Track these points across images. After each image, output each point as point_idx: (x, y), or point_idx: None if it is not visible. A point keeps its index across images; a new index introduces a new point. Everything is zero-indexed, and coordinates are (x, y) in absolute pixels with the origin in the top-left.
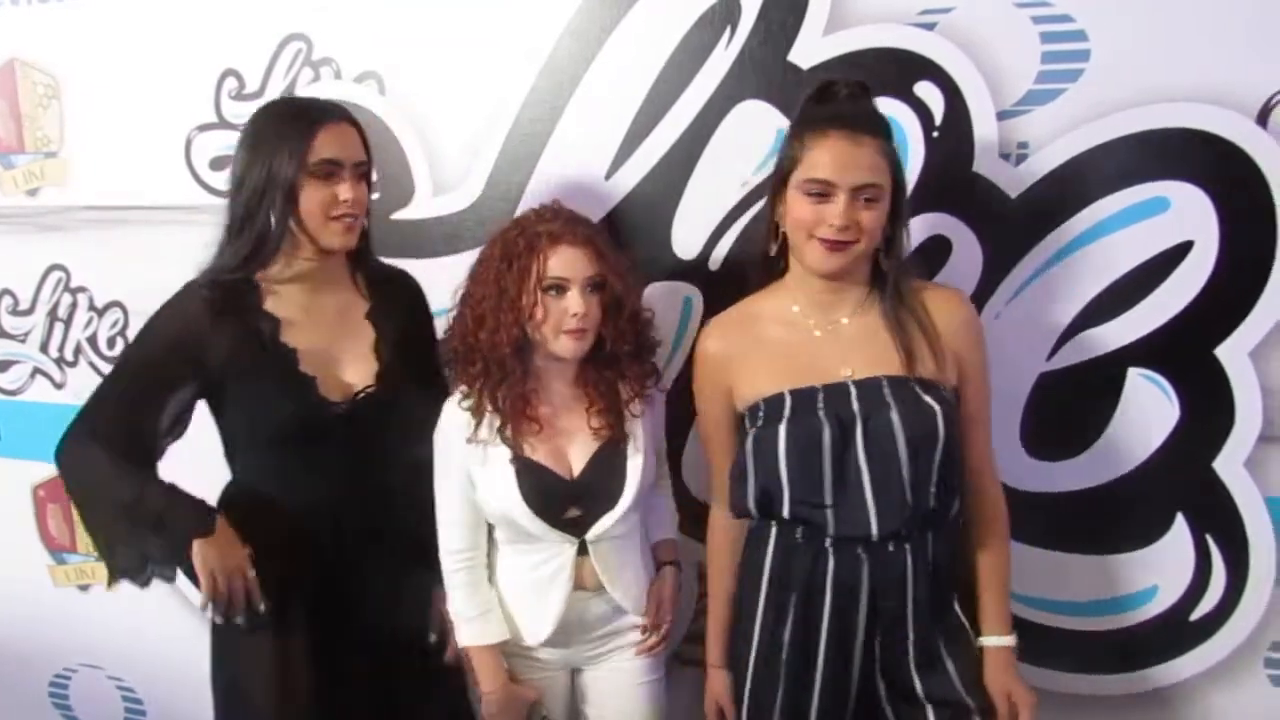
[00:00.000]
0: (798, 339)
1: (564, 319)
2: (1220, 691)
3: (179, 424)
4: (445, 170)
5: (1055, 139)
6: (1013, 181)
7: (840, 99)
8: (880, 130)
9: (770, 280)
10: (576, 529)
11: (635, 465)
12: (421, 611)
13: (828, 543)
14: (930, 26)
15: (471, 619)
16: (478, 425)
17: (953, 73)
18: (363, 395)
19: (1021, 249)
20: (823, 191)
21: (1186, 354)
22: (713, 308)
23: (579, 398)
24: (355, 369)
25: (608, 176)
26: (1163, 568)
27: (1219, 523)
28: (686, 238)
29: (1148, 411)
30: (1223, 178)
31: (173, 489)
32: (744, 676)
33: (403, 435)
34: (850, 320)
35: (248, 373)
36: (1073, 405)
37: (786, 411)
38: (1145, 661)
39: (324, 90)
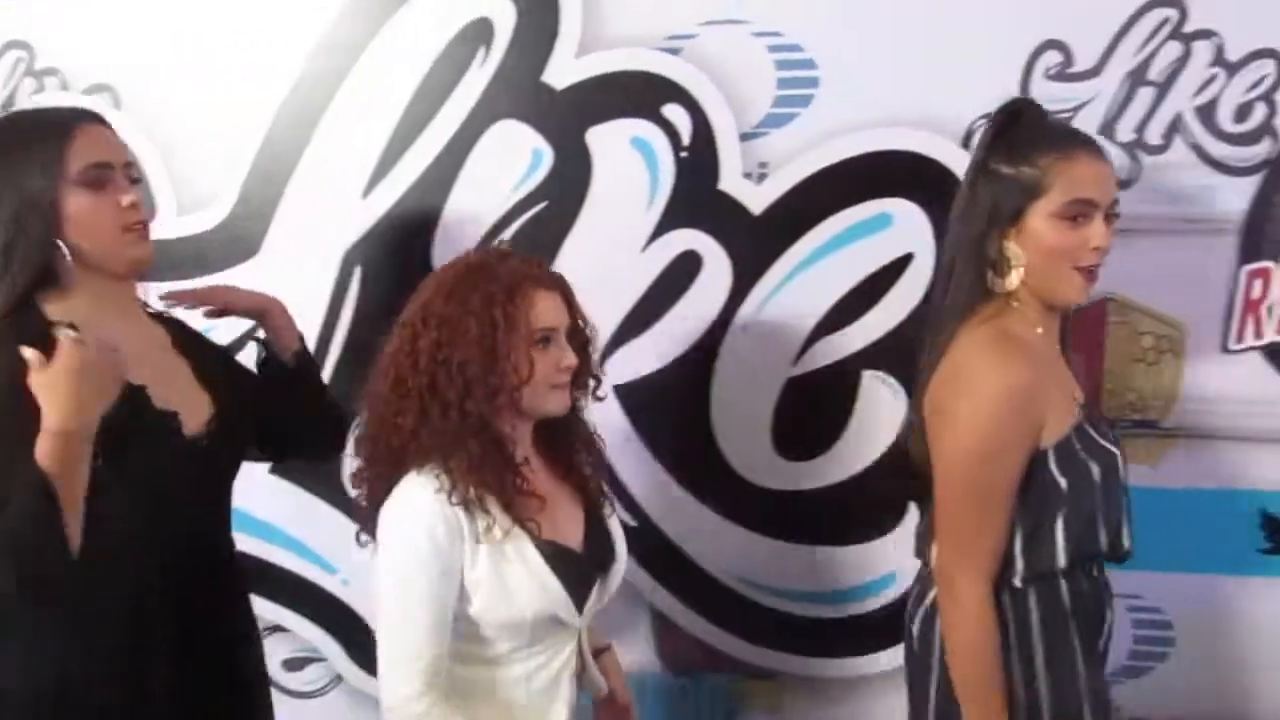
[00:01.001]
0: (1055, 365)
1: (553, 373)
2: None
3: None
4: (191, 188)
5: (792, 159)
6: (756, 199)
7: (1047, 119)
8: None
9: (973, 303)
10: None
11: (615, 525)
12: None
13: (1096, 573)
14: (675, 52)
15: None
16: (481, 519)
17: (698, 96)
18: (214, 429)
19: (766, 263)
20: (1084, 213)
21: (911, 357)
22: None
23: (544, 460)
24: (189, 404)
25: (364, 194)
26: (899, 554)
27: None
28: (448, 258)
29: (881, 410)
30: (935, 195)
31: None
32: None
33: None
34: (1058, 351)
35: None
36: (816, 408)
37: (1079, 445)
38: (887, 642)
39: (50, 102)
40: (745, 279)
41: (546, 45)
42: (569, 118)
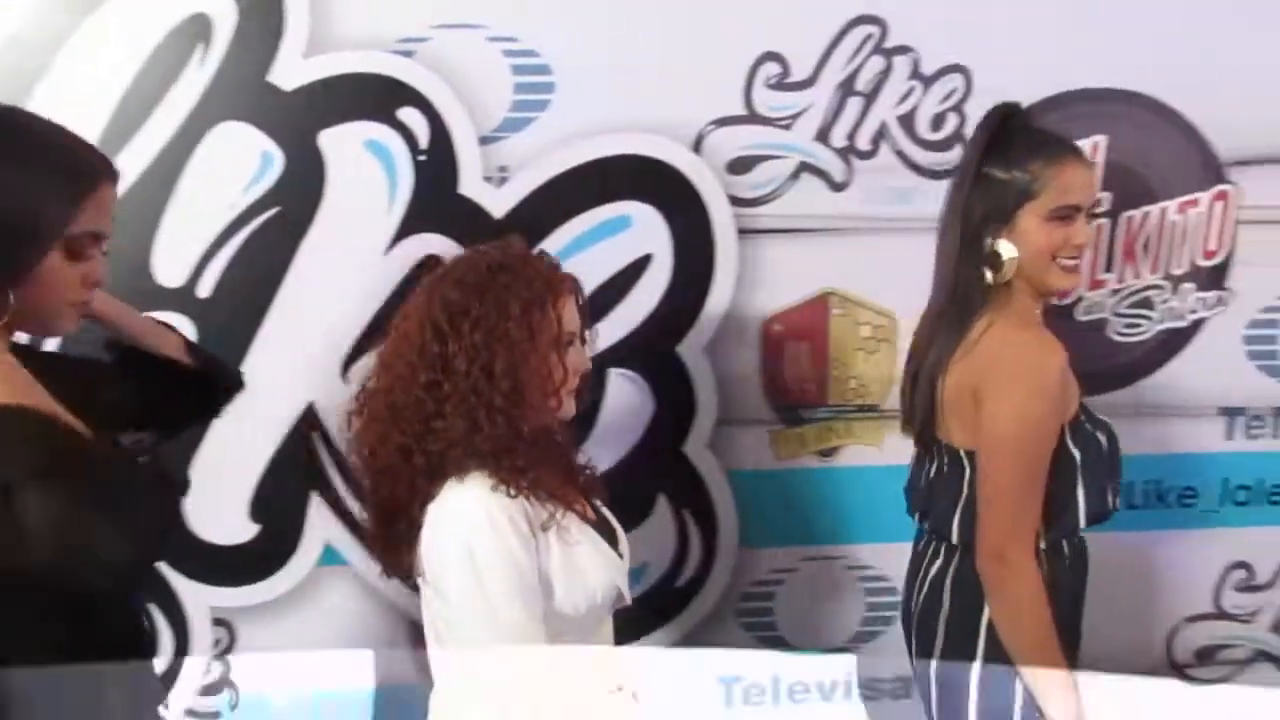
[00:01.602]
0: None
1: (570, 378)
2: (702, 643)
3: None
4: None
5: (531, 163)
6: (497, 203)
7: (1034, 124)
8: None
9: (976, 300)
10: None
11: (614, 519)
12: None
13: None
14: (409, 54)
15: None
16: (540, 509)
17: (434, 99)
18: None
19: None
20: (1070, 215)
21: (654, 353)
22: (206, 338)
23: None
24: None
25: None
26: (651, 545)
27: (692, 499)
28: (170, 265)
29: (627, 407)
30: (670, 198)
31: None
32: None
33: None
34: None
35: None
36: None
37: (1086, 420)
38: (640, 632)
39: None
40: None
41: (271, 44)
42: (299, 120)
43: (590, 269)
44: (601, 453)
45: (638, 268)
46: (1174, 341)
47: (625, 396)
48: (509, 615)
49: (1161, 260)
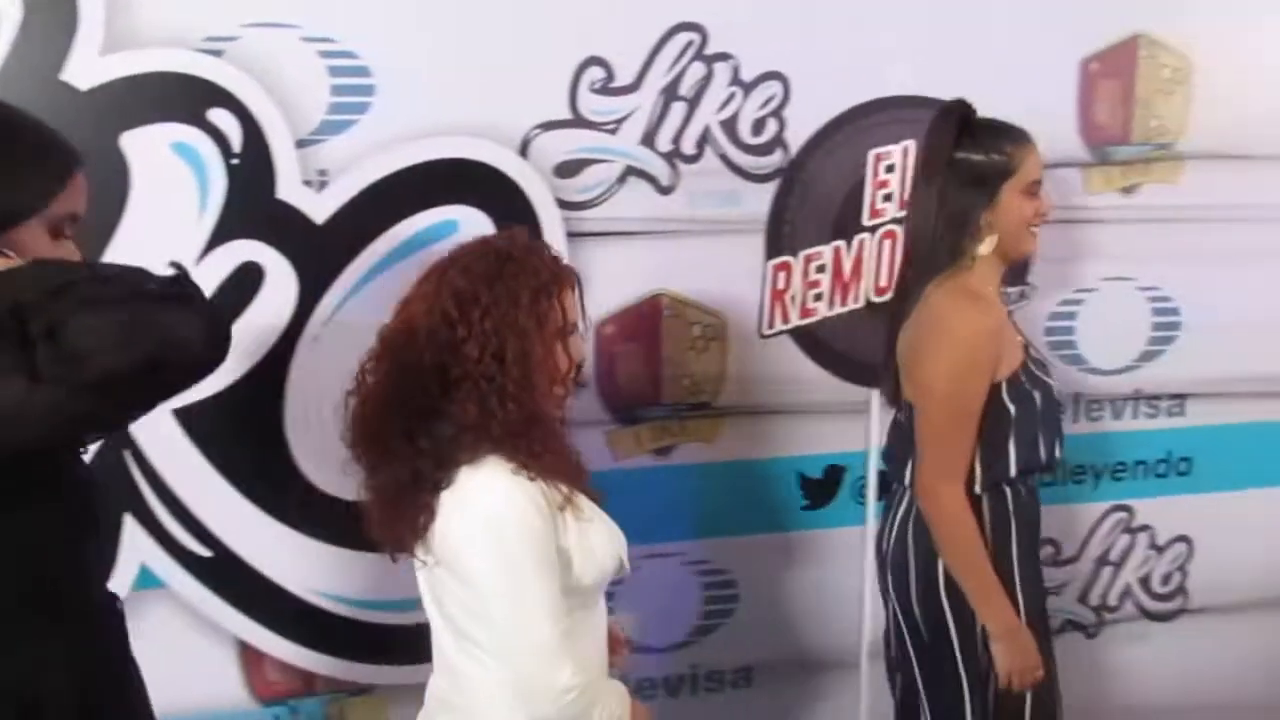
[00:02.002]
0: (1005, 315)
1: (574, 367)
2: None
3: None
4: None
5: (353, 166)
6: (318, 208)
7: (983, 117)
8: None
9: (940, 267)
10: None
11: None
12: None
13: (1032, 484)
14: (217, 53)
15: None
16: (554, 490)
17: (246, 101)
18: None
19: (333, 272)
20: (1037, 189)
21: None
22: None
23: None
24: None
25: None
26: None
27: None
28: None
29: None
30: (497, 202)
31: None
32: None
33: None
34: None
35: None
36: None
37: (1025, 379)
38: None
39: None
40: (312, 289)
41: (64, 41)
42: (98, 121)
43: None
44: None
45: None
46: None
47: None
48: (538, 592)
49: None
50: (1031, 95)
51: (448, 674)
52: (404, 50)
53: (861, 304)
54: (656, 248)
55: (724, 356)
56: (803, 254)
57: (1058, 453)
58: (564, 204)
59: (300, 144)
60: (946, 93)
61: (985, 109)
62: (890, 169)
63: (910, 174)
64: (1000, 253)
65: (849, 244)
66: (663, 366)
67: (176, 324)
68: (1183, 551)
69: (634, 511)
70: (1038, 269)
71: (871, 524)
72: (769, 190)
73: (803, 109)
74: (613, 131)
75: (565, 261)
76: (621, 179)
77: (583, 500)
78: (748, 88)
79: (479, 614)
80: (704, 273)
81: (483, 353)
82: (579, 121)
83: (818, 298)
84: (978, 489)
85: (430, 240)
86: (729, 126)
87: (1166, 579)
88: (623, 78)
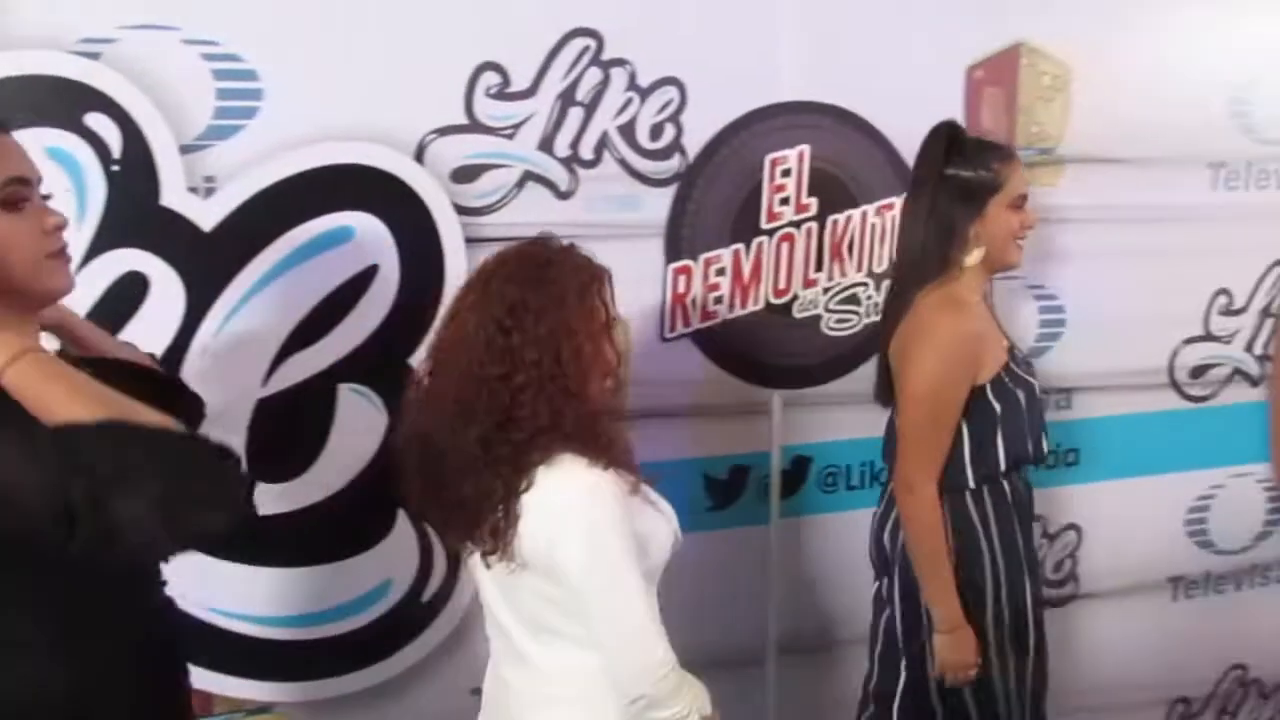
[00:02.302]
0: (989, 321)
1: (620, 360)
2: (452, 657)
3: None
4: None
5: (241, 173)
6: (205, 215)
7: (971, 135)
8: None
9: (930, 276)
10: None
11: None
12: None
13: (1025, 478)
14: (94, 56)
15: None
16: (625, 482)
17: (125, 105)
18: None
19: (223, 281)
20: (1022, 203)
21: (386, 366)
22: None
23: None
24: None
25: None
26: (393, 561)
27: None
28: None
29: (360, 423)
30: (394, 207)
31: None
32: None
33: None
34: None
35: None
36: (293, 426)
37: (1008, 379)
38: (393, 649)
39: None
40: (201, 299)
41: None
42: None
43: (312, 282)
44: (332, 473)
45: (364, 279)
46: (879, 333)
47: (357, 412)
48: (631, 581)
49: (865, 259)
50: (921, 101)
51: (524, 671)
52: (293, 54)
53: (761, 306)
54: None
55: (628, 361)
56: (702, 257)
57: (1044, 445)
58: (462, 210)
59: (185, 149)
60: (839, 99)
61: (876, 114)
62: (786, 173)
63: (805, 178)
64: (987, 263)
65: (748, 247)
66: None
67: (209, 521)
68: (1073, 539)
69: None
70: None
71: (776, 523)
72: (668, 194)
73: (700, 114)
74: (510, 137)
75: (596, 260)
76: (520, 184)
77: (645, 487)
78: (644, 93)
79: (566, 608)
80: None
81: (542, 355)
82: (476, 126)
83: (718, 300)
84: (971, 484)
85: (324, 247)
86: (627, 131)
87: (1058, 566)
88: (519, 83)
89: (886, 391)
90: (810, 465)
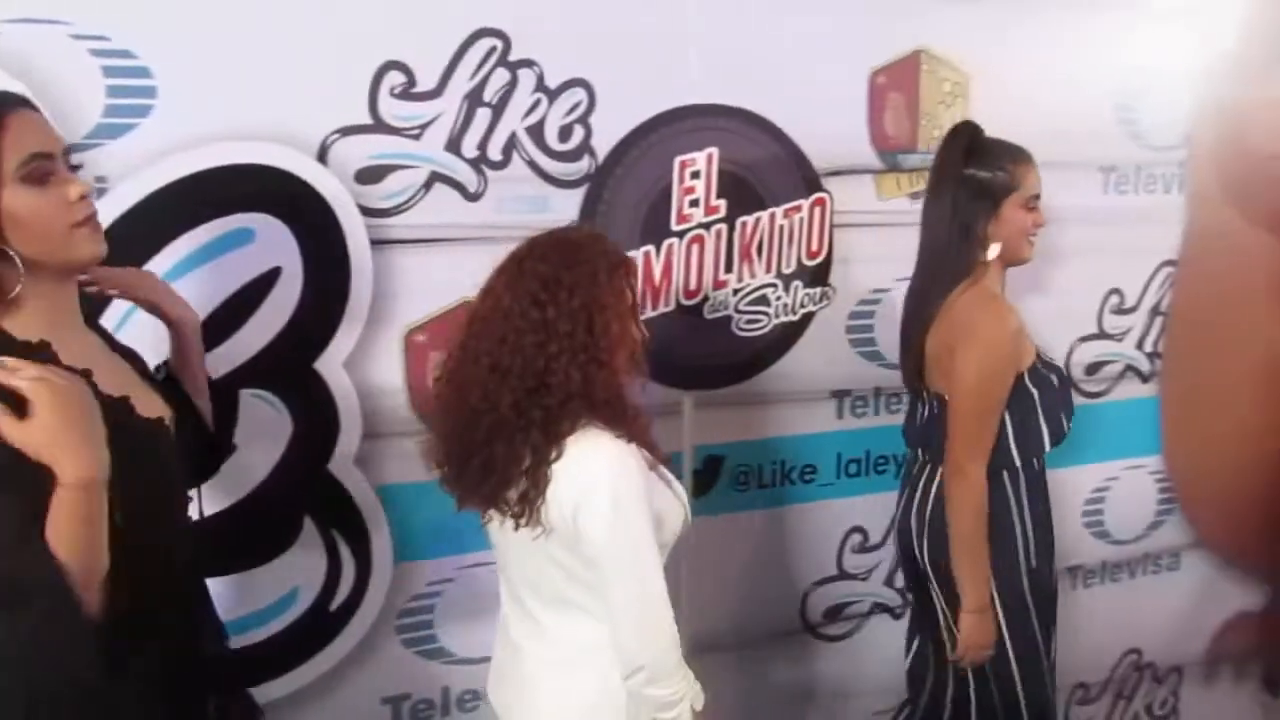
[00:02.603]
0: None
1: (644, 343)
2: (363, 666)
3: None
4: None
5: (134, 173)
6: None
7: (990, 137)
8: None
9: (960, 275)
10: None
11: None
12: None
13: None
14: None
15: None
16: (644, 456)
17: None
18: (179, 428)
19: None
20: (1035, 203)
21: (290, 371)
22: None
23: None
24: (155, 405)
25: None
26: (300, 570)
27: (341, 517)
28: None
29: (264, 429)
30: (296, 209)
31: None
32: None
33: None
34: None
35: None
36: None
37: (1040, 366)
38: (300, 659)
39: None
40: (92, 302)
41: None
42: None
43: (212, 285)
44: (238, 478)
45: (266, 282)
46: (788, 333)
47: (261, 418)
48: (650, 552)
49: (774, 261)
50: (827, 104)
51: (536, 638)
52: (188, 51)
53: (672, 307)
54: (465, 254)
55: None
56: None
57: (1067, 425)
58: (367, 211)
59: (73, 149)
60: (747, 102)
61: (783, 117)
62: (696, 175)
63: (714, 180)
64: (1003, 258)
65: (658, 249)
66: None
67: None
68: None
69: (449, 522)
70: (837, 271)
71: (689, 523)
72: (577, 196)
73: (609, 116)
74: (416, 137)
75: (623, 250)
76: (427, 185)
77: (660, 465)
78: (553, 94)
79: (585, 579)
80: None
81: (574, 326)
82: (380, 126)
83: None
84: (1018, 463)
85: (225, 250)
86: (535, 133)
87: None
88: (425, 82)
89: (917, 379)
90: (723, 465)
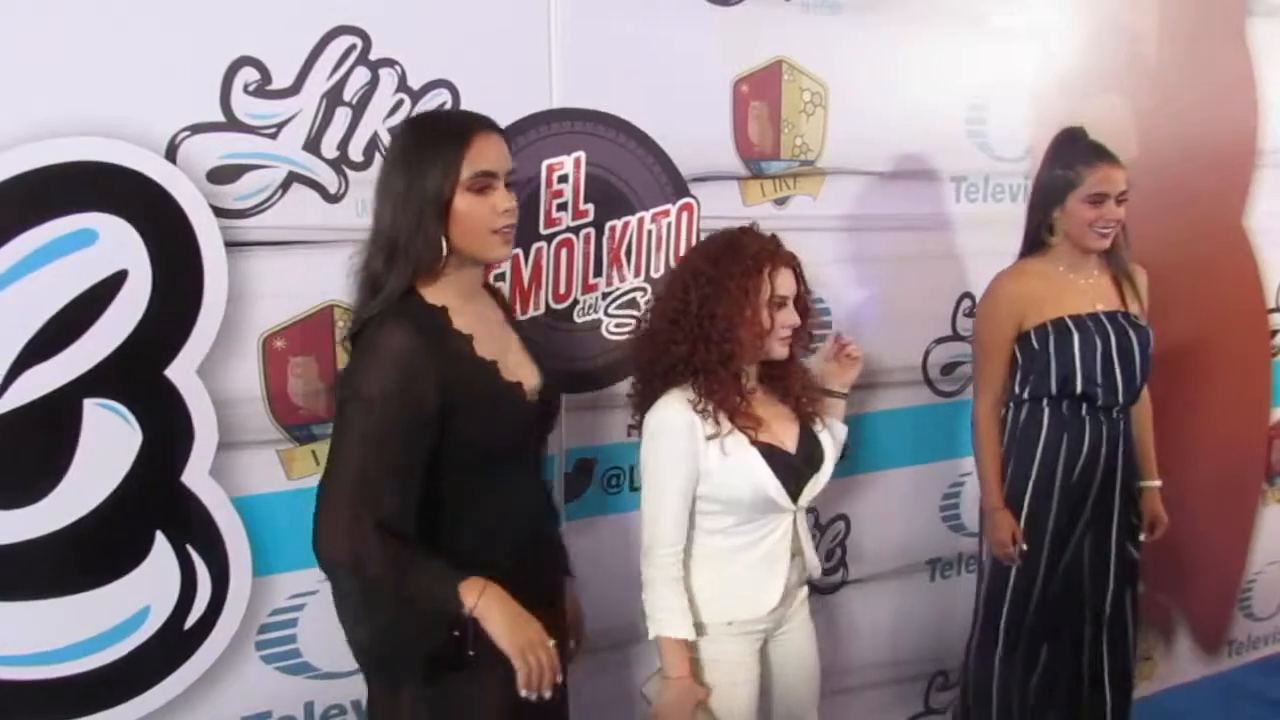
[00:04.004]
0: (1063, 286)
1: (781, 329)
2: (221, 685)
3: None
4: None
5: None
6: None
7: (1086, 139)
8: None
9: (1030, 251)
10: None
11: (827, 437)
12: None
13: (1084, 411)
14: None
15: (674, 610)
16: (711, 424)
17: None
18: (543, 396)
19: None
20: (1100, 200)
21: (139, 378)
22: None
23: (768, 390)
24: (525, 372)
25: None
26: (151, 587)
27: (196, 531)
28: None
29: (110, 440)
30: (144, 209)
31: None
32: (1019, 511)
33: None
34: (1096, 277)
35: (467, 395)
36: (30, 447)
37: (1072, 327)
38: (152, 681)
39: None
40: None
41: None
42: None
43: (49, 290)
44: (78, 496)
45: (111, 286)
46: None
47: (106, 429)
48: (662, 485)
49: (643, 264)
50: (693, 110)
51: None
52: (18, 40)
53: (542, 311)
54: (326, 257)
55: None
56: None
57: (1099, 381)
58: (221, 212)
59: None
60: (614, 107)
61: (651, 123)
62: (564, 179)
63: (582, 184)
64: (1072, 243)
65: (527, 252)
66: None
67: None
68: (841, 529)
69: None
70: None
71: (562, 525)
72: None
73: None
74: (273, 136)
75: (784, 247)
76: (285, 186)
77: (737, 440)
78: (416, 95)
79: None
80: None
81: (700, 310)
82: (234, 124)
83: None
84: (1026, 398)
85: (64, 252)
86: None
87: (830, 555)
88: (281, 80)
89: None
90: (594, 467)
